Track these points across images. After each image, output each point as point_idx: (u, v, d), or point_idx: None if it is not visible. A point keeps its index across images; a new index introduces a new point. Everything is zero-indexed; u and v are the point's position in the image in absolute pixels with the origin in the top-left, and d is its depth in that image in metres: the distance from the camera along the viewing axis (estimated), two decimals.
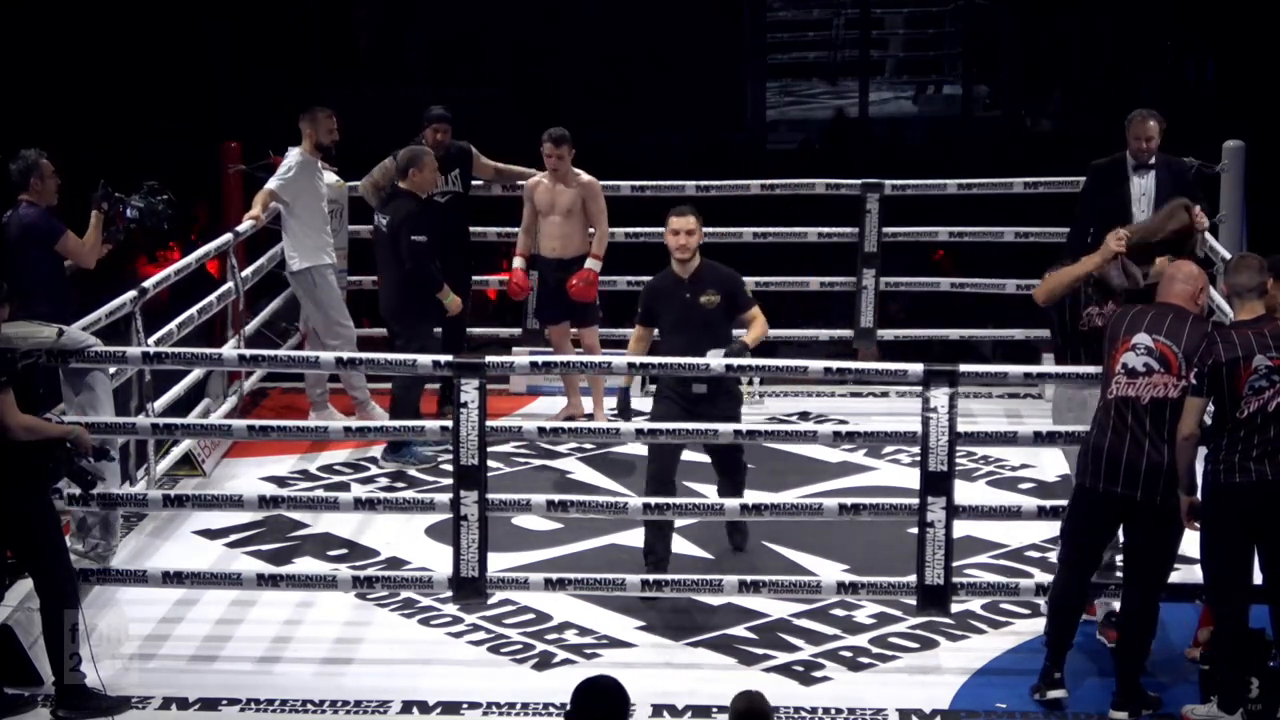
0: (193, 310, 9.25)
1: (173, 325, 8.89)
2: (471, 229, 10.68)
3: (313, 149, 10.04)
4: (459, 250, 10.44)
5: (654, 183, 10.94)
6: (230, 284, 9.90)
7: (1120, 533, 7.04)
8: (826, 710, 6.94)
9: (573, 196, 9.96)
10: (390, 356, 7.98)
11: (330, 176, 10.42)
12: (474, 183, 10.54)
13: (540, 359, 8.14)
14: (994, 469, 9.47)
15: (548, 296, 10.19)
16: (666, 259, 8.05)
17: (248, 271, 10.19)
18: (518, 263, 10.22)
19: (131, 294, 8.54)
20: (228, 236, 9.94)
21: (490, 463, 7.31)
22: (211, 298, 9.63)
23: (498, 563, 7.67)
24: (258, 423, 8.69)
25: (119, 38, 17.86)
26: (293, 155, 10.01)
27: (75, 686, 6.86)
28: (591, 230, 10.06)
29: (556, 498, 7.45)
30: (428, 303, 9.66)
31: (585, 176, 10.02)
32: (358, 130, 11.34)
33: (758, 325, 7.96)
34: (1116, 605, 7.30)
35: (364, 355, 7.97)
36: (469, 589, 7.26)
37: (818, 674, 7.26)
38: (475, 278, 10.93)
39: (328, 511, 8.40)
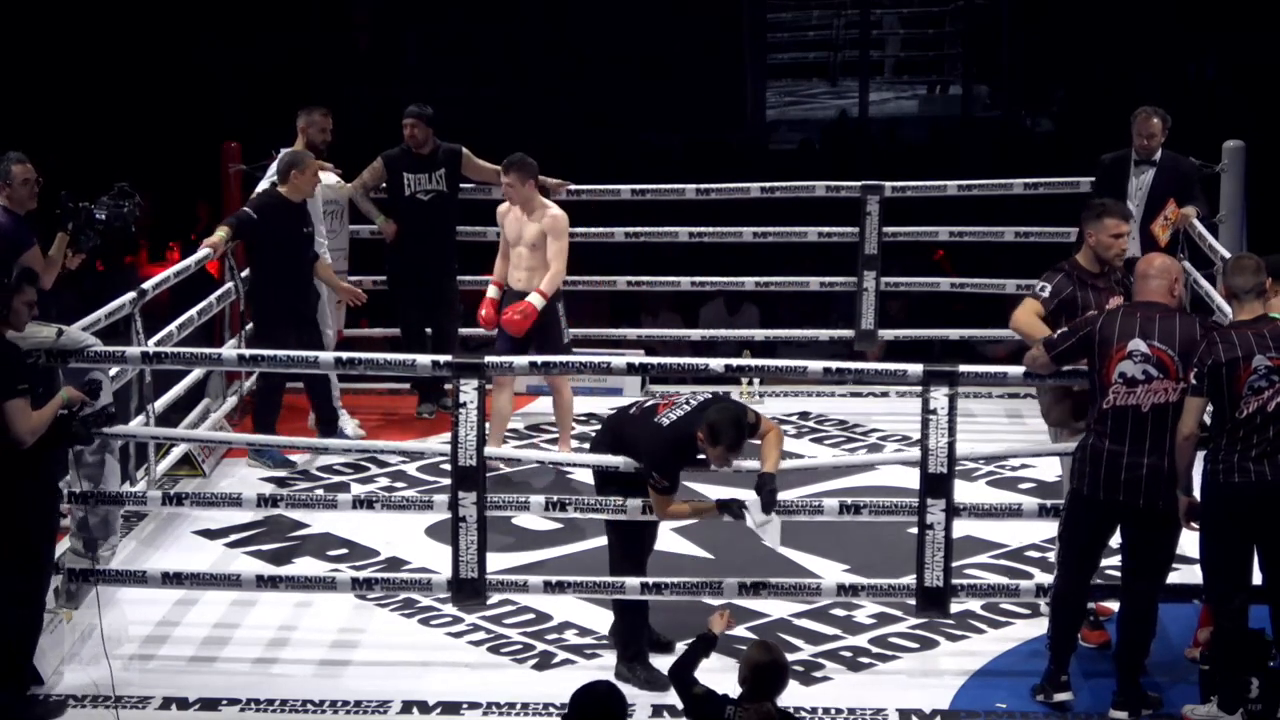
0: (192, 311, 9.26)
1: (173, 326, 8.90)
2: (472, 229, 10.67)
3: (305, 148, 10.04)
4: (442, 250, 10.42)
5: (654, 186, 10.94)
6: (230, 284, 9.90)
7: (1118, 533, 7.03)
8: (826, 710, 6.94)
9: (537, 230, 9.41)
10: (389, 357, 7.97)
11: (331, 178, 10.42)
12: (465, 185, 10.52)
13: (540, 359, 8.14)
14: (994, 469, 9.47)
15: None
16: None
17: (247, 272, 10.18)
18: (492, 291, 9.66)
19: (130, 295, 8.54)
20: None
21: (489, 462, 7.30)
22: (211, 298, 9.64)
23: (497, 563, 7.67)
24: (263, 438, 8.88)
25: (119, 38, 17.85)
26: (285, 155, 10.01)
27: (12, 691, 6.85)
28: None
29: (556, 498, 7.43)
30: (283, 303, 9.61)
31: (552, 211, 9.46)
32: (357, 131, 11.33)
33: (773, 443, 7.14)
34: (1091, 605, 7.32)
35: (363, 355, 7.95)
36: (468, 590, 7.25)
37: (818, 674, 7.27)
38: (472, 278, 10.93)
39: (327, 511, 8.39)
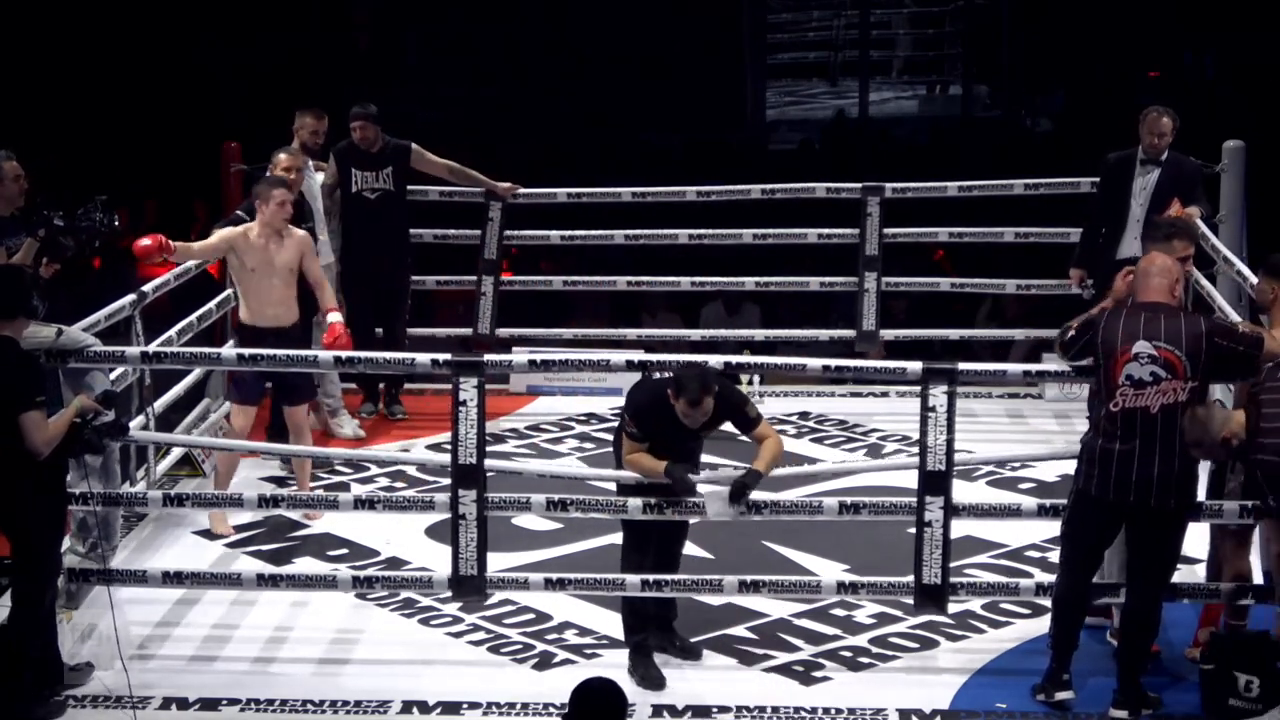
0: (192, 318, 9.25)
1: (172, 332, 8.89)
2: (443, 230, 10.65)
3: (298, 148, 10.03)
4: (393, 249, 10.36)
5: (654, 189, 10.93)
6: (230, 289, 9.88)
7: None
8: (826, 710, 6.93)
9: (293, 253, 8.75)
10: (389, 356, 7.97)
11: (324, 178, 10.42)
12: (458, 189, 10.49)
13: (540, 358, 8.13)
14: (994, 469, 9.45)
15: (254, 373, 8.68)
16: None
17: None
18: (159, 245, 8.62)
19: (130, 298, 8.54)
20: None
21: (489, 462, 7.30)
22: (211, 305, 9.62)
23: (497, 563, 7.67)
24: (262, 445, 8.91)
25: (119, 38, 17.87)
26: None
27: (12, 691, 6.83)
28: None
29: (556, 497, 7.43)
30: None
31: (300, 232, 8.86)
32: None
33: (770, 447, 7.11)
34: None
35: (362, 354, 7.95)
36: (468, 588, 7.26)
37: (818, 674, 7.26)
38: (441, 278, 10.88)
39: (328, 511, 8.39)
